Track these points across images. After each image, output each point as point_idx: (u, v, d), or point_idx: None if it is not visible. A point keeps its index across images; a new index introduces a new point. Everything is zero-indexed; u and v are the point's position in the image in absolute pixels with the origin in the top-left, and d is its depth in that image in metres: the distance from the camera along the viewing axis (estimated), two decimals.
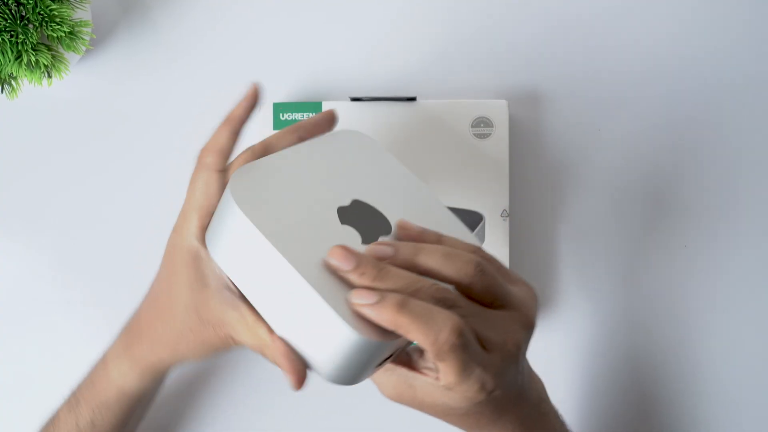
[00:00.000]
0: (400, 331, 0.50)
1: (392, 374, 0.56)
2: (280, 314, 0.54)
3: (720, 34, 0.78)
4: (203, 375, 0.78)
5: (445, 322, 0.50)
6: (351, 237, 0.56)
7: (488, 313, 0.53)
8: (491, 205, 0.74)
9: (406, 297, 0.50)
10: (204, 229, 0.58)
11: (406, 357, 0.56)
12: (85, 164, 0.78)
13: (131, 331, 0.65)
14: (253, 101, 0.61)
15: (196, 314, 0.59)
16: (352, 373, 0.53)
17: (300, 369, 0.53)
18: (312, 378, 0.78)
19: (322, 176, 0.59)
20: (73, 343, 0.78)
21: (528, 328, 0.55)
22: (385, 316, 0.50)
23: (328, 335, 0.51)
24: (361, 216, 0.58)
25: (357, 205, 0.58)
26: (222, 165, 0.59)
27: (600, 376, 0.78)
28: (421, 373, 0.55)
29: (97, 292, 0.78)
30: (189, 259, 0.59)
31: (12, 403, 0.78)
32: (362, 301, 0.50)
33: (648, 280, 0.78)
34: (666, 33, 0.78)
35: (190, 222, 0.59)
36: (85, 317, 0.78)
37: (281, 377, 0.78)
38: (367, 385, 0.78)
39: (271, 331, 0.55)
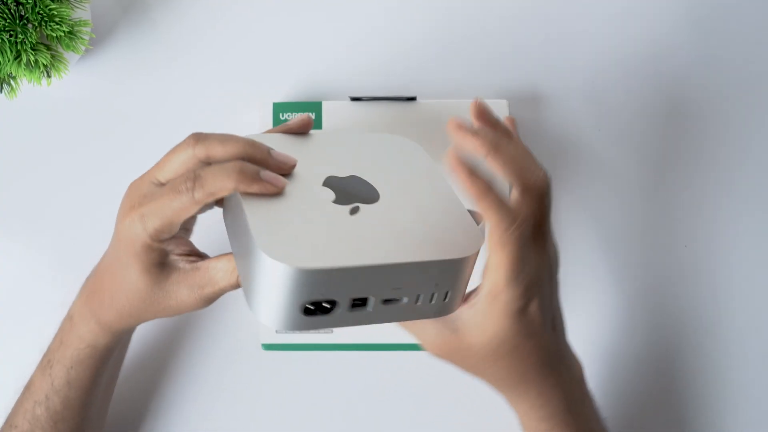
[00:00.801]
0: (484, 201, 0.54)
1: (434, 323, 0.58)
2: (238, 253, 0.55)
3: (721, 34, 0.78)
4: (202, 373, 0.78)
5: (538, 171, 0.56)
6: (324, 195, 0.56)
7: None
8: None
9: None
10: (160, 234, 0.58)
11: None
12: (84, 164, 0.78)
13: (94, 294, 0.64)
14: (282, 187, 0.58)
15: (160, 290, 0.60)
16: (276, 310, 0.52)
17: None
18: (310, 379, 0.78)
19: (334, 155, 0.59)
20: None
21: (550, 273, 0.59)
22: (476, 189, 0.54)
23: (253, 261, 0.52)
24: (349, 185, 0.58)
25: (353, 179, 0.58)
26: (207, 201, 0.57)
27: (599, 376, 0.78)
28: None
29: None
30: (141, 251, 0.59)
31: (12, 402, 0.78)
32: (461, 163, 0.54)
33: (648, 279, 0.78)
34: (666, 33, 0.78)
35: (147, 224, 0.58)
36: None
37: (279, 380, 0.78)
38: (366, 386, 0.78)
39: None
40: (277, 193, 0.56)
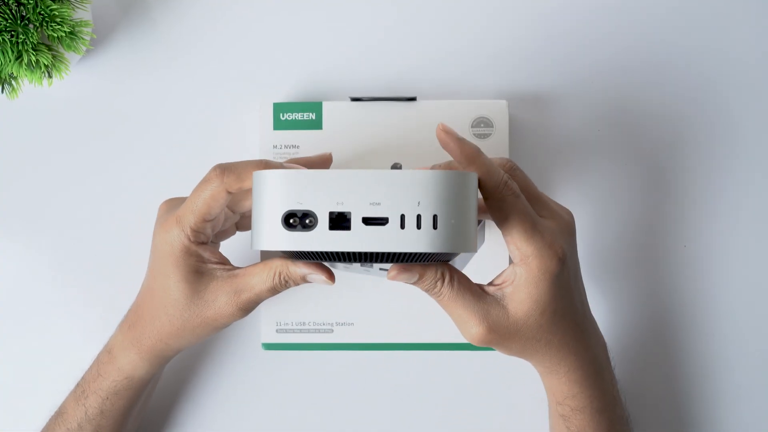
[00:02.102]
0: (474, 163, 0.58)
1: (481, 303, 0.60)
2: None
3: (722, 34, 0.78)
4: (201, 375, 0.78)
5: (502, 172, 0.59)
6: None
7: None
8: None
9: None
10: (197, 234, 0.61)
11: (474, 287, 0.61)
12: (85, 164, 0.78)
13: (134, 324, 0.66)
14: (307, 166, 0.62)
15: (199, 299, 0.62)
16: (261, 225, 0.55)
17: (322, 266, 0.60)
18: (310, 379, 0.78)
19: None
20: (73, 343, 0.78)
21: (569, 233, 0.63)
22: (468, 149, 0.58)
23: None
24: None
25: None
26: (235, 188, 0.60)
27: None
28: (498, 285, 0.61)
29: (97, 292, 0.78)
30: (180, 256, 0.61)
31: (12, 403, 0.78)
32: (450, 129, 0.58)
33: (648, 279, 0.78)
34: (666, 32, 0.78)
35: (184, 223, 0.61)
36: (84, 317, 0.78)
37: (277, 381, 0.78)
38: (366, 386, 0.78)
39: (282, 262, 0.60)
40: None
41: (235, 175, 0.59)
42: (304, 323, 0.74)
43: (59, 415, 0.70)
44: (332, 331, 0.74)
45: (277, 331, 0.75)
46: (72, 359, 0.76)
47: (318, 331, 0.74)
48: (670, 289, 0.78)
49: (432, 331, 0.74)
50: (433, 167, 0.62)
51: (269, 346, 0.75)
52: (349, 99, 0.76)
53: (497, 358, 0.77)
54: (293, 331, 0.75)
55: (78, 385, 0.70)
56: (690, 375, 0.78)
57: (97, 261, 0.78)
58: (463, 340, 0.73)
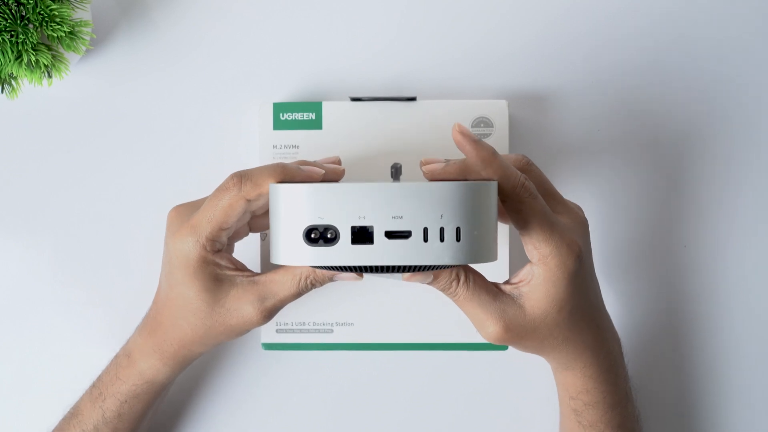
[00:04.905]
0: (490, 166, 0.57)
1: (497, 303, 0.60)
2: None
3: (723, 35, 0.78)
4: (203, 376, 0.78)
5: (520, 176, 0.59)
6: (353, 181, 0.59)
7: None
8: None
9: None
10: (213, 243, 0.61)
11: (490, 286, 0.61)
12: (85, 164, 0.78)
13: (155, 331, 0.66)
14: (320, 176, 0.61)
15: (221, 307, 0.62)
16: (282, 240, 0.55)
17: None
18: (310, 379, 0.78)
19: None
20: (73, 343, 0.78)
21: (584, 229, 0.63)
22: (484, 153, 0.57)
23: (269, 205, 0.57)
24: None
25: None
26: (254, 196, 0.59)
27: None
28: (515, 284, 0.61)
29: (97, 292, 0.78)
30: (198, 267, 0.61)
31: (11, 402, 0.78)
32: (467, 131, 0.58)
33: (648, 279, 0.78)
34: (667, 32, 0.78)
35: (200, 233, 0.60)
36: (84, 317, 0.78)
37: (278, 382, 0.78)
38: (366, 386, 0.78)
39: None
40: (316, 180, 0.59)
41: (252, 182, 0.59)
42: (303, 323, 0.75)
43: (74, 416, 0.69)
44: (332, 331, 0.75)
45: (277, 331, 0.75)
46: (72, 358, 0.76)
47: (318, 331, 0.74)
48: (670, 289, 0.78)
49: (432, 331, 0.74)
50: (446, 162, 0.62)
51: (269, 346, 0.75)
52: (349, 99, 0.76)
53: (498, 358, 0.77)
54: (293, 331, 0.75)
55: (94, 386, 0.69)
56: (699, 372, 0.78)
57: (97, 261, 0.78)
58: (463, 340, 0.73)
